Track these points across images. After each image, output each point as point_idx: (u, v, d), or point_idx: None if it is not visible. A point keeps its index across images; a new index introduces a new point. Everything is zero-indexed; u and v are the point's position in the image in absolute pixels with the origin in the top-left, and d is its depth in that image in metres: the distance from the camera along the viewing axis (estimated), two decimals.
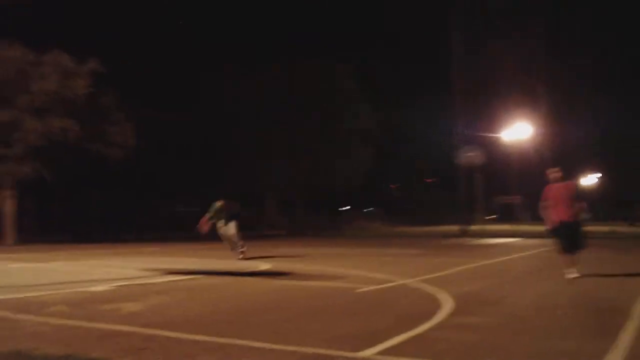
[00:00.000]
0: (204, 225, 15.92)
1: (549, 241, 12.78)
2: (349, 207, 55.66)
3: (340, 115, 40.97)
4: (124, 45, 36.52)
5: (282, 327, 6.47)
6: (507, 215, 66.42)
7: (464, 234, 33.85)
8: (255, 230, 41.90)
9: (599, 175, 69.23)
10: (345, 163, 41.70)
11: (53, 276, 11.69)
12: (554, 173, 10.87)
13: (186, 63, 39.76)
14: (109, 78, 26.81)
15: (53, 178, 26.30)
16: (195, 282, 10.75)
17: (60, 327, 6.31)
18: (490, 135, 45.13)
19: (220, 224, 16.28)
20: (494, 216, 67.68)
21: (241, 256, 16.20)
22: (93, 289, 9.43)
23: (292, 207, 45.51)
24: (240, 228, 16.43)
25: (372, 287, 9.82)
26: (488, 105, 54.23)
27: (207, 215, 16.03)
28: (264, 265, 14.36)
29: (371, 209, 63.92)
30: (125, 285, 10.05)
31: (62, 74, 25.39)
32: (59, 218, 34.79)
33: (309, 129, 39.65)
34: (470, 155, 36.61)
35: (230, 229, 16.24)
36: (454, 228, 36.59)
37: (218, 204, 16.24)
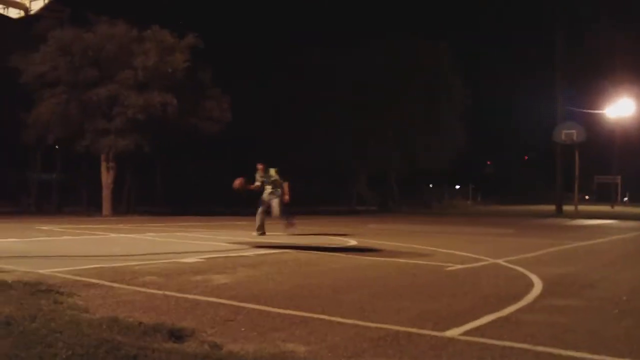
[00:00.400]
0: (240, 184, 15.67)
1: None
2: (440, 184, 54.99)
3: (436, 92, 40.42)
4: (221, 19, 37.04)
5: (368, 303, 6.44)
6: (605, 195, 64.23)
7: (560, 214, 32.94)
8: (346, 205, 42.12)
9: None
10: (438, 140, 41.15)
11: (147, 247, 12.04)
12: None
13: (283, 38, 39.88)
14: (206, 53, 27.27)
15: (151, 151, 27.02)
16: (284, 256, 10.85)
17: (152, 296, 6.49)
18: (592, 111, 43.40)
19: (268, 191, 16.05)
20: (591, 196, 65.64)
21: (289, 230, 16.06)
22: (184, 260, 9.65)
23: (384, 183, 45.31)
24: (283, 206, 16.05)
25: (460, 266, 9.68)
26: (591, 80, 52.14)
27: (259, 180, 16.02)
28: (352, 241, 14.38)
29: (462, 186, 63.02)
30: (215, 257, 10.25)
31: (162, 49, 25.97)
32: (156, 190, 35.85)
33: (404, 105, 39.27)
34: (570, 133, 35.30)
35: (275, 208, 16.04)
36: (549, 208, 35.66)
37: (273, 171, 16.12)
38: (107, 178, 27.27)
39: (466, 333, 5.16)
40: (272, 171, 16.09)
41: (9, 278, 7.04)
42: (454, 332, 5.16)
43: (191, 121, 27.17)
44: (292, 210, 16.85)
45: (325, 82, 39.20)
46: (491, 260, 10.54)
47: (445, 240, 15.19)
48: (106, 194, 27.26)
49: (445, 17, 55.52)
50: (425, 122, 40.08)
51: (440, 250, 12.36)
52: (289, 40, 39.95)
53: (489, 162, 72.91)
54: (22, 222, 19.28)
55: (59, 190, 31.51)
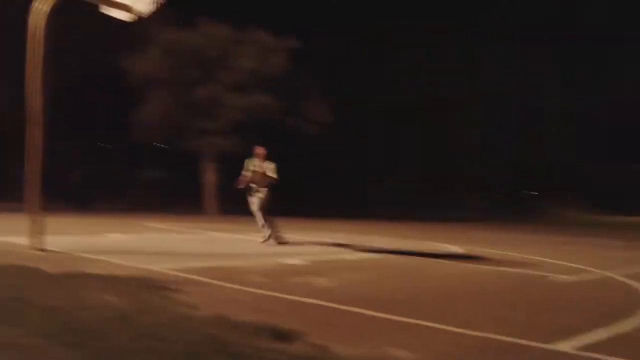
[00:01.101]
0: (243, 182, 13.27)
1: None
2: (543, 190, 53.41)
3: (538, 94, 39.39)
4: (320, 21, 37.21)
5: (472, 311, 6.34)
6: None
7: None
8: (450, 212, 41.60)
9: None
10: (541, 143, 40.03)
11: (250, 247, 12.22)
12: None
13: (382, 40, 39.67)
14: (305, 54, 27.50)
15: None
16: (386, 261, 10.80)
17: (257, 296, 6.58)
18: None
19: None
20: None
21: (262, 240, 12.88)
22: (287, 261, 9.74)
23: (486, 190, 44.50)
24: (267, 206, 13.05)
25: (567, 277, 9.37)
26: None
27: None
28: (455, 248, 14.17)
29: (567, 192, 60.89)
30: (317, 260, 10.30)
31: (262, 51, 26.39)
32: None
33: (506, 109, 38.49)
34: None
35: (252, 202, 13.14)
36: None
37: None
38: (210, 178, 27.91)
39: (578, 348, 4.97)
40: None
41: (120, 273, 7.30)
42: (565, 346, 4.99)
43: (291, 122, 27.45)
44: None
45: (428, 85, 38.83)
46: (600, 272, 10.16)
47: (551, 250, 14.75)
48: (210, 193, 27.89)
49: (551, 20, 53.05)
50: (527, 125, 39.07)
51: (546, 260, 12.00)
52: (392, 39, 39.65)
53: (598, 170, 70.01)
54: (130, 218, 19.98)
55: (165, 188, 32.48)
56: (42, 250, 9.02)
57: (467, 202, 44.76)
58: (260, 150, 13.42)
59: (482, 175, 42.74)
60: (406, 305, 6.52)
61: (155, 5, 10.04)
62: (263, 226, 12.91)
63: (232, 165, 30.38)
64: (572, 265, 11.08)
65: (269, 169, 13.06)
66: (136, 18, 10.45)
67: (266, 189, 13.03)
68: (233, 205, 30.62)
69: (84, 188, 29.68)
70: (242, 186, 13.19)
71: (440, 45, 39.26)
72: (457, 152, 39.59)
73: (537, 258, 12.31)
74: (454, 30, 40.08)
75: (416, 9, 40.78)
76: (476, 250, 13.84)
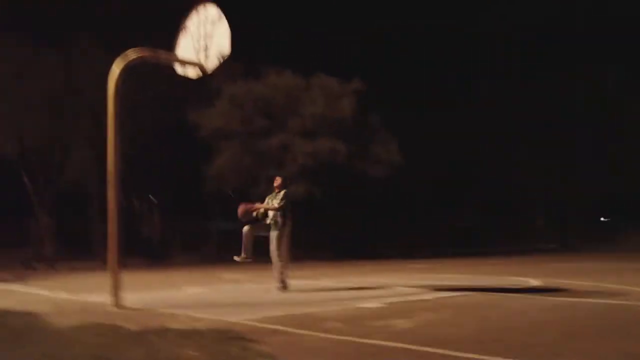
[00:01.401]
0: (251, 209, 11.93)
1: None
2: (628, 217, 51.65)
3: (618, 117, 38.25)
4: (386, 62, 37.43)
5: (561, 346, 6.08)
6: None
7: None
8: (526, 244, 40.71)
9: None
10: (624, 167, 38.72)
11: (325, 293, 12.12)
12: None
13: (451, 75, 39.60)
14: (373, 96, 27.62)
15: (323, 196, 27.56)
16: (465, 299, 10.55)
17: (336, 342, 6.47)
18: None
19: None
20: None
21: (280, 285, 11.80)
22: (364, 305, 9.61)
23: (564, 218, 43.40)
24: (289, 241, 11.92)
25: None
26: None
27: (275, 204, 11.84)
28: (535, 281, 13.78)
29: None
30: (395, 302, 10.12)
31: (329, 96, 26.62)
32: (329, 235, 36.42)
33: (586, 133, 37.53)
34: None
35: (272, 240, 11.89)
36: None
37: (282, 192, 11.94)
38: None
39: None
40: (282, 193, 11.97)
41: (199, 326, 7.31)
42: None
43: (360, 165, 27.47)
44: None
45: (504, 115, 38.40)
46: None
47: (638, 278, 14.18)
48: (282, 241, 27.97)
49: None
50: (610, 150, 37.94)
51: (634, 289, 11.53)
52: (457, 75, 39.55)
53: None
54: (205, 271, 20.16)
55: (237, 238, 32.74)
56: (122, 307, 9.14)
57: (541, 232, 43.74)
58: (275, 180, 12.21)
59: (556, 203, 41.75)
60: (490, 344, 6.31)
61: (221, 60, 10.26)
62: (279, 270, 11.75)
63: (303, 212, 30.71)
64: None
65: (277, 198, 11.85)
66: (201, 74, 10.72)
67: (280, 223, 11.82)
68: (305, 252, 30.86)
69: (159, 243, 30.24)
70: (241, 216, 11.85)
71: (511, 76, 38.96)
72: (528, 180, 38.78)
73: (623, 287, 11.85)
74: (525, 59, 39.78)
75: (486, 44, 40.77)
76: (557, 282, 13.43)
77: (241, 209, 11.85)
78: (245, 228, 11.76)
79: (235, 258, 11.84)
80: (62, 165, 28.09)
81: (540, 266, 19.89)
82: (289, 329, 7.28)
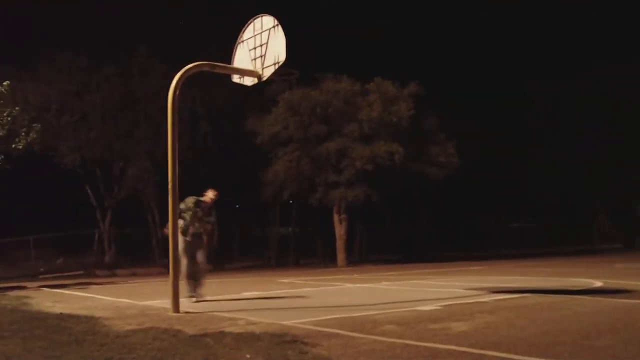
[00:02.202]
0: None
1: None
2: None
3: None
4: (443, 63, 37.23)
5: (623, 350, 5.94)
6: None
7: None
8: (587, 244, 39.84)
9: None
10: None
11: (383, 296, 12.10)
12: None
13: (508, 74, 39.07)
14: (429, 98, 27.48)
15: (381, 200, 27.54)
16: (524, 300, 10.39)
17: (392, 345, 6.46)
18: None
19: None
20: None
21: (194, 299, 11.05)
22: (421, 308, 9.56)
23: (628, 216, 42.32)
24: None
25: None
26: None
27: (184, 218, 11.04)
28: (598, 282, 13.49)
29: None
30: (452, 304, 10.04)
31: (386, 100, 26.58)
32: (387, 238, 36.36)
33: None
34: None
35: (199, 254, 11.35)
36: None
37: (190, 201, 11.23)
38: (339, 229, 28.13)
39: None
40: (189, 200, 11.28)
41: (256, 330, 7.39)
42: None
43: (417, 168, 27.36)
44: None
45: (557, 111, 37.69)
46: None
47: None
48: (340, 244, 28.08)
49: None
50: None
51: None
52: (511, 74, 39.00)
53: None
54: (264, 275, 20.34)
55: (295, 243, 33.00)
56: (181, 312, 9.30)
57: (605, 231, 42.71)
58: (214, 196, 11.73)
59: (621, 200, 40.71)
60: (549, 346, 6.20)
61: (278, 67, 10.36)
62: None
63: (360, 216, 30.78)
64: None
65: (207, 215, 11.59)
66: (257, 82, 10.86)
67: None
68: (363, 255, 30.87)
69: (218, 249, 30.59)
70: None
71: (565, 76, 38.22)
72: (592, 177, 37.87)
73: None
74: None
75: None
76: (621, 283, 13.11)
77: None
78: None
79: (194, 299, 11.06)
80: (122, 175, 28.74)
81: (603, 266, 19.45)
82: (345, 332, 7.29)
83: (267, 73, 10.54)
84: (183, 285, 10.53)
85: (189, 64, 10.09)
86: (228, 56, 11.17)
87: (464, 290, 12.43)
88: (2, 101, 17.63)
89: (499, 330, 7.29)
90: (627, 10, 39.80)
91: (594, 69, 37.01)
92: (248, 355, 5.85)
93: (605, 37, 40.52)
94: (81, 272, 22.34)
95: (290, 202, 32.43)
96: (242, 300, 11.69)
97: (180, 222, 10.64)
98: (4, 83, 17.48)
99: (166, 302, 9.66)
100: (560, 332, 7.11)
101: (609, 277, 14.77)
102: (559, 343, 6.40)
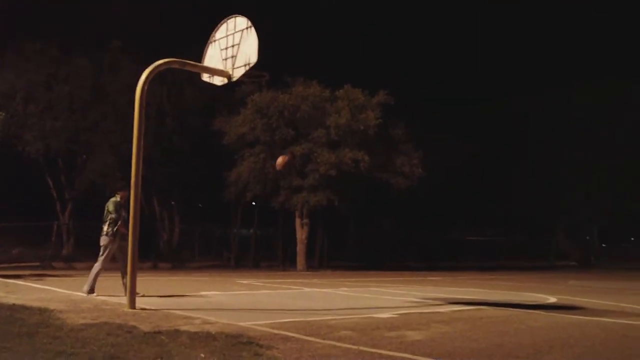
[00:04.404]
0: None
1: None
2: None
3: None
4: (412, 75, 37.51)
5: None
6: None
7: None
8: (543, 260, 40.48)
9: None
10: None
11: (340, 301, 12.14)
12: None
13: (476, 87, 39.50)
14: (397, 109, 27.63)
15: (344, 206, 27.60)
16: (479, 313, 10.51)
17: (347, 351, 6.49)
18: None
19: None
20: None
21: (88, 291, 11.15)
22: (377, 315, 9.62)
23: (584, 235, 43.05)
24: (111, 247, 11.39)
25: None
26: None
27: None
28: (552, 298, 13.70)
29: None
30: (408, 313, 10.12)
31: (354, 108, 26.66)
32: (348, 245, 36.46)
33: (606, 149, 37.19)
34: None
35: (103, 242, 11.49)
36: None
37: (115, 199, 11.63)
38: (301, 234, 28.13)
39: None
40: (111, 201, 11.66)
41: (212, 329, 7.36)
42: None
43: (382, 177, 27.50)
44: None
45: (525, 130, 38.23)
46: None
47: None
48: (300, 249, 28.07)
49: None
50: (630, 168, 37.50)
51: None
52: (480, 89, 39.49)
53: None
54: (223, 276, 20.25)
55: (256, 245, 32.93)
56: (137, 308, 9.22)
57: (563, 250, 43.41)
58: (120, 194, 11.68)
59: (579, 221, 41.40)
60: (503, 359, 6.31)
61: (248, 68, 10.36)
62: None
63: (322, 221, 30.81)
64: None
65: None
66: (227, 82, 10.84)
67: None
68: (324, 261, 30.90)
69: (179, 247, 30.42)
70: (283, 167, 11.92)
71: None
72: (552, 196, 38.45)
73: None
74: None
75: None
76: (575, 300, 13.34)
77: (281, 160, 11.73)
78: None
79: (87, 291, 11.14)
80: (84, 168, 28.37)
81: (557, 283, 19.75)
82: (301, 336, 7.30)
83: (237, 74, 10.54)
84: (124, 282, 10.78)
85: (160, 60, 10.04)
86: (200, 55, 11.14)
87: (421, 300, 12.52)
88: None
89: (454, 341, 7.37)
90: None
91: (563, 87, 37.63)
92: (202, 355, 5.83)
93: (581, 56, 41.19)
94: (37, 263, 21.98)
95: (253, 203, 32.35)
96: (200, 299, 11.62)
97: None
98: None
99: (122, 298, 9.58)
100: (513, 345, 7.22)
101: (563, 294, 15.01)
102: (512, 356, 6.50)
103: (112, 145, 27.13)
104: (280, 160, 11.87)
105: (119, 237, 11.28)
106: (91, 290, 11.12)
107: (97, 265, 11.34)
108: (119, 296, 10.22)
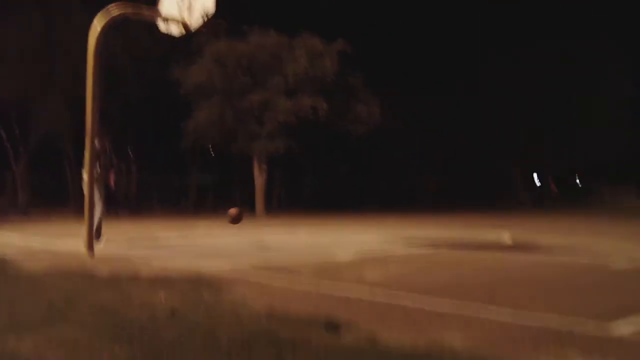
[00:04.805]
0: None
1: None
2: (602, 181, 52.20)
3: (599, 84, 38.41)
4: (371, 24, 37.14)
5: (527, 301, 6.22)
6: None
7: None
8: (501, 202, 41.20)
9: None
10: (600, 134, 39.04)
11: (299, 245, 12.24)
12: None
13: (437, 39, 39.27)
14: (356, 57, 27.48)
15: (301, 153, 27.62)
16: (437, 253, 10.71)
17: (307, 290, 6.59)
18: None
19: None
20: None
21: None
22: (337, 256, 9.74)
23: (539, 180, 43.91)
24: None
25: (627, 265, 9.15)
26: None
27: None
28: (507, 239, 13.98)
29: (627, 183, 59.46)
30: (367, 253, 10.26)
31: (312, 56, 26.49)
32: (306, 191, 36.61)
33: (566, 101, 37.69)
34: None
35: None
36: None
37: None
38: (259, 180, 28.13)
39: (635, 332, 4.85)
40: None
41: (172, 274, 7.37)
42: (622, 331, 4.86)
43: (341, 124, 27.51)
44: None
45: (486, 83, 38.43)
46: None
47: (608, 238, 14.43)
48: (259, 194, 28.10)
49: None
50: (583, 114, 38.12)
51: (604, 247, 11.75)
52: (440, 36, 39.27)
53: None
54: (181, 221, 20.22)
55: (214, 192, 32.89)
56: (95, 255, 9.18)
57: (518, 194, 44.22)
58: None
59: (533, 162, 42.16)
60: (458, 296, 6.44)
61: (206, 18, 10.18)
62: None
63: (281, 167, 30.85)
64: (632, 254, 10.81)
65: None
66: (184, 31, 10.64)
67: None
68: (282, 206, 31.03)
69: (137, 197, 30.21)
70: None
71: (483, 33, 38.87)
72: (507, 139, 38.97)
73: (593, 246, 12.07)
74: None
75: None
76: (529, 240, 13.62)
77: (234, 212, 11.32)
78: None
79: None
80: (38, 118, 27.74)
81: (513, 223, 20.14)
82: (262, 279, 7.37)
83: (194, 23, 10.36)
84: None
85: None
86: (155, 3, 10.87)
87: (380, 241, 12.70)
88: None
89: (412, 280, 7.53)
90: None
91: (524, 40, 37.79)
92: (162, 297, 5.84)
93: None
94: None
95: (211, 152, 32.19)
96: (159, 244, 11.61)
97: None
98: None
99: (80, 245, 9.51)
100: (469, 283, 7.39)
101: (517, 233, 15.32)
102: (468, 294, 6.63)
103: (66, 96, 26.53)
104: (233, 211, 11.40)
105: (101, 182, 11.00)
106: (98, 236, 10.79)
107: (96, 213, 10.80)
108: (77, 243, 10.12)
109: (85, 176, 10.67)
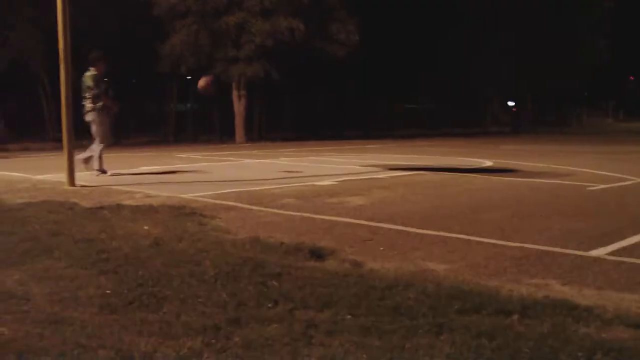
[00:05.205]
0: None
1: None
2: (577, 101, 52.45)
3: (570, 6, 38.11)
4: None
5: (508, 223, 6.31)
6: None
7: None
8: (479, 127, 41.38)
9: None
10: (573, 52, 38.97)
11: (281, 171, 12.22)
12: None
13: None
14: None
15: (280, 78, 27.31)
16: (419, 177, 10.77)
17: (290, 218, 6.61)
18: None
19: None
20: None
21: (89, 166, 10.93)
22: (319, 183, 9.76)
23: (517, 103, 43.98)
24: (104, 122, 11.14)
25: (604, 186, 9.31)
26: None
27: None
28: (488, 162, 14.09)
29: (602, 103, 59.90)
30: (349, 180, 10.29)
31: None
32: (286, 117, 36.38)
33: (534, 22, 37.40)
34: None
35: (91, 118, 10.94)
36: None
37: (90, 73, 11.00)
38: (238, 106, 27.89)
39: (613, 253, 4.97)
40: (87, 75, 10.98)
41: (154, 203, 7.37)
42: (599, 252, 4.98)
43: (318, 45, 27.13)
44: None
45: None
46: (637, 180, 10.03)
47: (585, 160, 14.59)
48: (238, 121, 27.91)
49: None
50: (557, 32, 37.92)
51: (581, 169, 11.89)
52: None
53: (632, 78, 67.88)
54: (162, 151, 20.10)
55: (193, 119, 32.59)
56: (77, 185, 9.12)
57: (498, 117, 44.37)
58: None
59: (511, 87, 42.13)
60: (441, 220, 6.51)
61: None
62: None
63: (259, 93, 30.53)
64: (607, 173, 10.96)
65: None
66: None
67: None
68: (262, 132, 30.89)
69: (113, 125, 29.84)
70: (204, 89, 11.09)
71: None
72: (486, 64, 38.79)
73: (570, 168, 12.23)
74: None
75: None
76: (509, 163, 13.74)
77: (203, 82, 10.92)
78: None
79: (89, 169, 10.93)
80: (4, 43, 26.96)
81: (493, 148, 20.26)
82: (244, 205, 7.39)
83: None
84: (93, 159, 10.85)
85: None
86: None
87: (361, 167, 12.73)
88: None
89: (395, 205, 7.57)
90: None
91: None
92: (146, 227, 5.85)
93: None
94: None
95: (188, 77, 31.70)
96: (140, 174, 11.56)
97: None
98: None
99: (61, 176, 9.43)
100: (452, 207, 7.45)
101: (497, 158, 15.43)
102: (450, 217, 6.72)
103: (33, 18, 25.78)
104: (202, 82, 11.02)
105: (105, 110, 11.03)
106: (102, 171, 10.87)
107: (95, 145, 10.98)
108: (57, 174, 10.04)
109: (88, 105, 10.75)
